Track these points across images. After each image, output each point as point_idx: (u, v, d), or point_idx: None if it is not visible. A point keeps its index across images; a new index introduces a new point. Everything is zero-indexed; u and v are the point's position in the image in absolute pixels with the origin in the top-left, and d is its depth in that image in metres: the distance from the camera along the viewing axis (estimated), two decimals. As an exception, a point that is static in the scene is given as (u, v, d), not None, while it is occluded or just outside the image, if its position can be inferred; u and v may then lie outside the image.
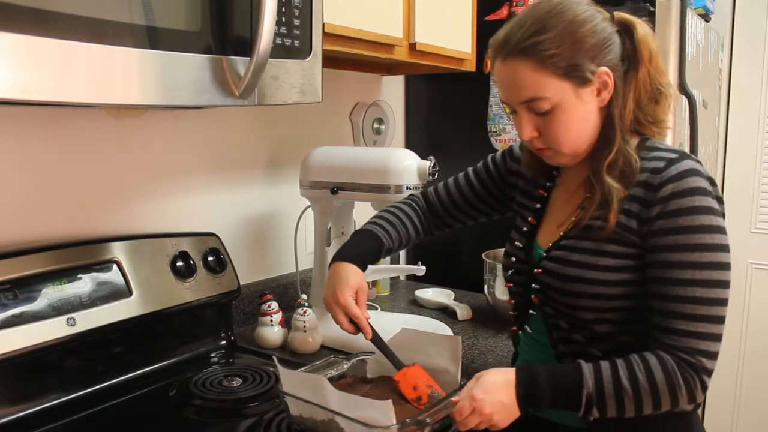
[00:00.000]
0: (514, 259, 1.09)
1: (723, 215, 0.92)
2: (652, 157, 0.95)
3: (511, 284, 1.10)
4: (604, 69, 0.93)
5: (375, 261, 1.15)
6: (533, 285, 1.04)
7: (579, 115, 0.95)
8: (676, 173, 0.91)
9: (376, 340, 1.07)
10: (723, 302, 0.90)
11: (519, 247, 1.09)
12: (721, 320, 0.89)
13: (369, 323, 1.07)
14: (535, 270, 1.03)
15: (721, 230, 0.90)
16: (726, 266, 0.90)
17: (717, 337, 0.89)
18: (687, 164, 0.92)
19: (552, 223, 1.07)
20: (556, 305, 1.01)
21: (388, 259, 1.86)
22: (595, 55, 0.93)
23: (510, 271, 1.10)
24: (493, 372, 0.94)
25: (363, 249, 1.14)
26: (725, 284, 0.90)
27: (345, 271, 1.09)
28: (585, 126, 0.96)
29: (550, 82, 0.92)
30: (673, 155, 0.94)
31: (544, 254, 1.03)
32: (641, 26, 0.97)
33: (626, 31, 0.96)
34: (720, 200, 0.93)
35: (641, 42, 0.96)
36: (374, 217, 1.22)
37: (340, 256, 1.12)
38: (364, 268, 1.11)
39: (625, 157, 0.95)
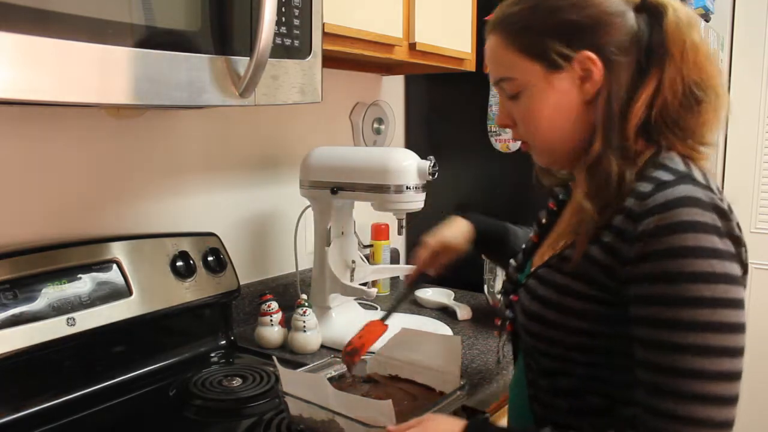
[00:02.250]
0: (506, 279, 0.99)
1: (740, 259, 0.71)
2: (647, 176, 0.75)
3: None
4: (587, 54, 0.76)
5: (491, 246, 1.15)
6: (507, 312, 0.93)
7: (551, 105, 0.79)
8: (664, 201, 0.70)
9: (405, 293, 1.17)
10: (731, 376, 0.68)
11: (513, 266, 0.97)
12: (729, 401, 0.68)
13: (420, 276, 1.12)
14: (512, 296, 0.90)
15: (728, 279, 0.68)
16: (736, 327, 0.68)
17: (722, 424, 0.67)
18: (682, 190, 0.70)
19: (551, 243, 0.91)
20: (522, 342, 0.89)
21: (388, 258, 1.87)
22: (573, 36, 0.76)
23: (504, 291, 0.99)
24: (441, 420, 0.83)
25: (491, 224, 1.11)
26: (734, 351, 0.68)
27: (454, 224, 1.11)
28: (558, 119, 0.80)
29: (517, 61, 0.79)
30: (669, 177, 0.73)
31: (523, 281, 0.89)
32: (673, 12, 0.77)
33: (654, 14, 0.78)
34: (735, 239, 0.71)
35: (670, 31, 0.76)
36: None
37: (465, 215, 1.12)
38: (477, 237, 1.09)
39: (605, 169, 0.76)
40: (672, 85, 0.76)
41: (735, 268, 0.69)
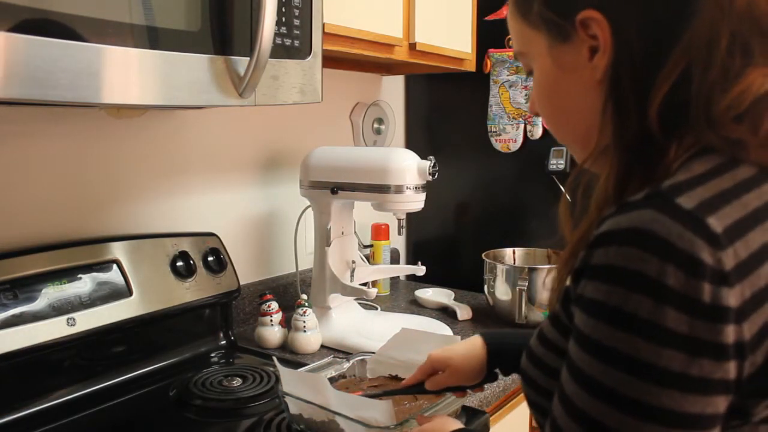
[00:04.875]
0: None
1: (715, 349, 0.45)
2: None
3: None
4: (587, 13, 0.56)
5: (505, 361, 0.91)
6: None
7: (555, 88, 0.63)
8: (605, 231, 0.49)
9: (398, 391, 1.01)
10: None
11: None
12: None
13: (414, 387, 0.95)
14: None
15: (648, 372, 0.45)
16: None
17: None
18: (635, 218, 0.48)
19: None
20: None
21: (388, 258, 1.87)
22: None
23: None
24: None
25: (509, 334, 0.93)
26: None
27: (467, 342, 0.92)
28: (566, 106, 0.63)
29: (524, 32, 0.64)
30: (641, 195, 0.50)
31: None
32: None
33: None
34: (714, 311, 0.45)
35: None
36: None
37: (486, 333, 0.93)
38: (493, 352, 0.88)
39: (586, 176, 0.60)
40: (709, 49, 0.52)
41: (671, 359, 0.45)
